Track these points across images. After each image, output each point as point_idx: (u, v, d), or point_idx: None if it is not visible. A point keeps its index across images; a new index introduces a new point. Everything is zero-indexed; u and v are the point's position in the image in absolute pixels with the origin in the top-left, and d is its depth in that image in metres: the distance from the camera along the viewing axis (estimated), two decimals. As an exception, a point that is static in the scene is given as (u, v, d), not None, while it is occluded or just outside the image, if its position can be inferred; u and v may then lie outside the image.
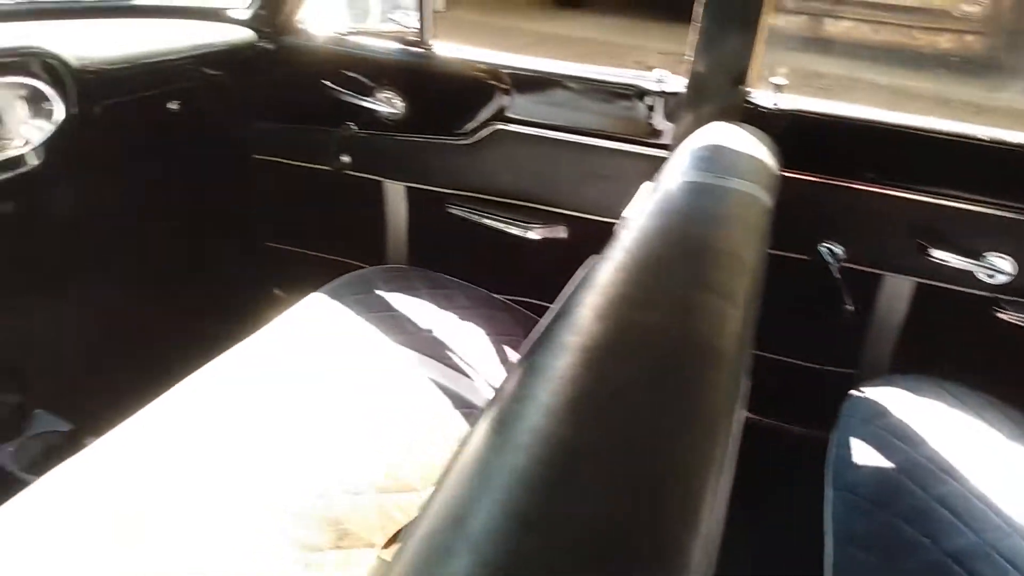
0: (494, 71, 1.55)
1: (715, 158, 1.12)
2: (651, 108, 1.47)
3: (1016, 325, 1.38)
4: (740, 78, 1.35)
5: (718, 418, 0.54)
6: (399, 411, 1.15)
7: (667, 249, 0.80)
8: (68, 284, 1.50)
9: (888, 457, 1.15)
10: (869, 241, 1.44)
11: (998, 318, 1.39)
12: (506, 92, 1.56)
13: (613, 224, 1.53)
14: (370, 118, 1.67)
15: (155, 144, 1.58)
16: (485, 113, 1.59)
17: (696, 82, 1.39)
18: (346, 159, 1.73)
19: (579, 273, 0.87)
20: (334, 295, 1.44)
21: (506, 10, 8.64)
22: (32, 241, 1.41)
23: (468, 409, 1.21)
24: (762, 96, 1.40)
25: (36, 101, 1.26)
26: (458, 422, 1.18)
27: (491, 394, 1.29)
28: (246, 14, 1.66)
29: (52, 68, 1.23)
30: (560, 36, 7.70)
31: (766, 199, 1.02)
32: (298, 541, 0.91)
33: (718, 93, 1.37)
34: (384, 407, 1.16)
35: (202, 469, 0.99)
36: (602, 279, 0.72)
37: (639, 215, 0.90)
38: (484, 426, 0.56)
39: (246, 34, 1.65)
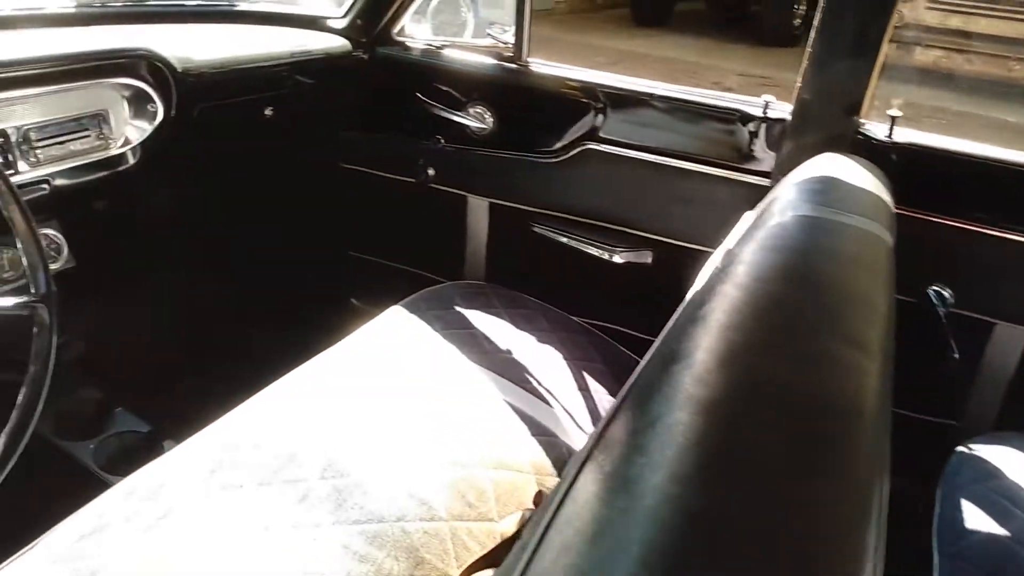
0: (590, 89, 1.52)
1: (829, 191, 1.05)
2: (753, 134, 1.41)
3: None
4: (854, 108, 1.28)
5: (870, 492, 0.48)
6: (475, 434, 1.12)
7: (789, 290, 0.74)
8: (154, 283, 1.52)
9: (1003, 524, 1.05)
10: (983, 287, 1.34)
11: None
12: (600, 111, 1.52)
13: (702, 251, 1.48)
14: (459, 132, 1.65)
15: (248, 149, 1.59)
16: (576, 132, 1.56)
17: (804, 110, 1.32)
18: (431, 172, 1.71)
19: (683, 307, 0.82)
20: (413, 309, 1.42)
21: (585, 28, 8.63)
22: (122, 239, 1.43)
23: (545, 436, 1.17)
24: (876, 128, 1.33)
25: (140, 102, 1.28)
26: (535, 449, 1.13)
27: (568, 422, 1.24)
28: (343, 23, 1.67)
29: (157, 70, 1.25)
30: (639, 54, 7.64)
31: (888, 238, 0.95)
32: (375, 568, 0.88)
33: (828, 122, 1.31)
34: (460, 429, 1.12)
35: (277, 484, 0.97)
36: (718, 319, 0.67)
37: (750, 249, 0.85)
38: (597, 479, 0.51)
39: (342, 43, 1.65)
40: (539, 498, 1.06)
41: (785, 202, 1.00)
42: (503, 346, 1.36)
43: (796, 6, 8.39)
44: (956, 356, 1.33)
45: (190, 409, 1.21)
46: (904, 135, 1.32)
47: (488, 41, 1.61)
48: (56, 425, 1.38)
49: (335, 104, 1.72)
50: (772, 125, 1.40)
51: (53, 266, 1.25)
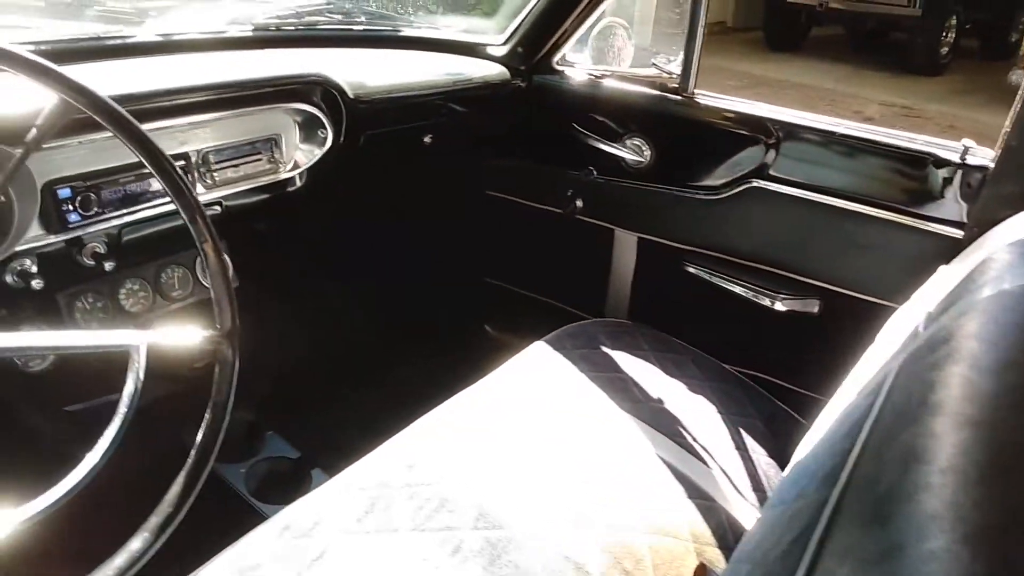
0: (761, 124, 1.43)
1: None
2: (947, 181, 1.28)
3: None
4: None
5: None
6: (630, 493, 1.05)
7: None
8: (306, 305, 1.53)
9: None
10: None
11: None
12: (772, 147, 1.43)
13: (880, 305, 1.35)
14: (613, 164, 1.59)
15: (404, 174, 1.58)
16: (742, 168, 1.47)
17: (1011, 157, 1.18)
18: (579, 203, 1.66)
19: (892, 382, 0.72)
20: (558, 346, 1.37)
21: (718, 51, 8.43)
22: (280, 261, 1.44)
23: (703, 500, 1.08)
24: None
25: (310, 127, 1.29)
26: (692, 513, 1.05)
27: (727, 485, 1.15)
28: (502, 51, 1.65)
29: (331, 97, 1.26)
30: (773, 80, 7.39)
31: None
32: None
33: None
34: (614, 485, 1.06)
35: (430, 532, 0.93)
36: (963, 411, 0.57)
37: (977, 321, 0.74)
38: None
39: (500, 71, 1.63)
40: (702, 572, 0.98)
41: (1002, 265, 0.88)
42: (654, 393, 1.28)
43: (945, 34, 7.90)
44: None
45: (337, 435, 1.20)
46: None
47: (651, 71, 1.54)
48: None
49: (488, 131, 1.70)
50: (969, 172, 1.27)
51: None
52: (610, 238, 1.68)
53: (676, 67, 1.50)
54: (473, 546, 0.92)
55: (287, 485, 1.15)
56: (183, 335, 0.75)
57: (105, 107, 0.74)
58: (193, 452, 0.75)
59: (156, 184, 1.08)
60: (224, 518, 1.01)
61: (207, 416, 0.76)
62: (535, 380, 1.27)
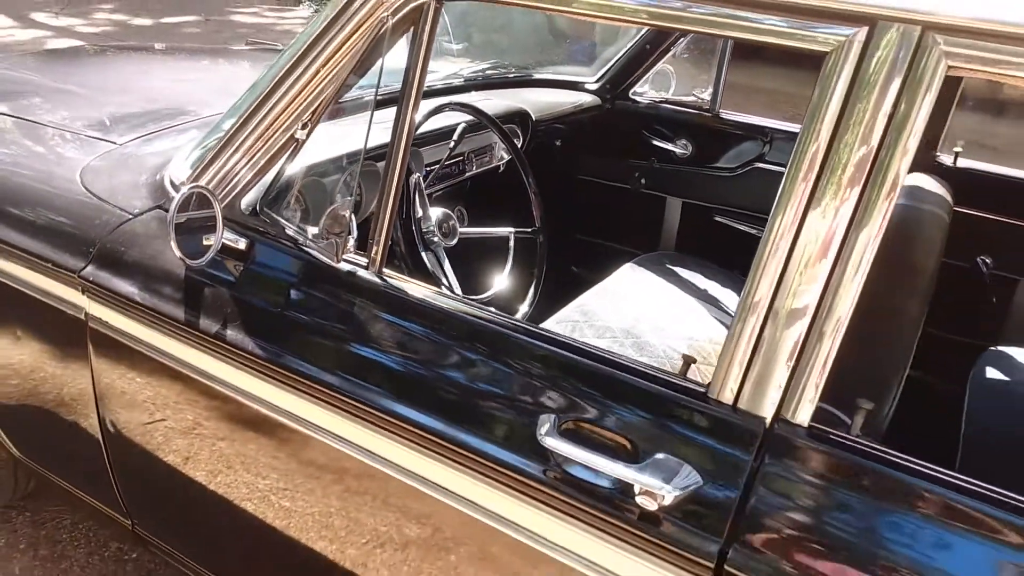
0: (761, 130, 2.39)
1: None
2: None
3: None
4: None
5: None
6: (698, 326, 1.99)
7: None
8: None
9: None
10: None
11: None
12: (767, 143, 2.39)
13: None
14: (667, 156, 2.54)
15: (543, 165, 2.52)
16: (748, 156, 2.43)
17: None
18: (643, 181, 2.61)
19: None
20: (643, 264, 2.30)
21: (687, 61, 9.36)
22: (491, 211, 2.36)
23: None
24: None
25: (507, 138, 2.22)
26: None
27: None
28: (595, 86, 2.60)
29: (525, 121, 2.19)
30: (741, 85, 8.34)
31: None
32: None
33: None
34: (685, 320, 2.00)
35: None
36: None
37: None
38: None
39: (593, 99, 2.58)
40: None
41: None
42: (700, 285, 2.22)
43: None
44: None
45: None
46: None
47: (692, 98, 2.51)
48: None
49: (586, 137, 2.65)
50: None
51: (462, 228, 2.20)
52: (663, 203, 2.63)
53: (707, 95, 2.47)
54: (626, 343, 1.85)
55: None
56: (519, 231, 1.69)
57: (483, 113, 1.68)
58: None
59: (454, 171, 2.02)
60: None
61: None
62: (637, 280, 2.21)
